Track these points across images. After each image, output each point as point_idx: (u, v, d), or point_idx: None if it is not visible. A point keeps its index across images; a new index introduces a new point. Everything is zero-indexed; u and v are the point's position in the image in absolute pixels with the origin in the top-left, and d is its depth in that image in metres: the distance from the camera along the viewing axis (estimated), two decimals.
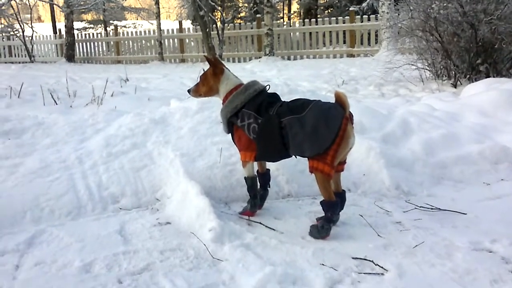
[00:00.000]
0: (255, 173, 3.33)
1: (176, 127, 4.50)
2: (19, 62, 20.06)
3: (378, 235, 2.95)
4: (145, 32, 19.69)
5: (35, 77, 11.75)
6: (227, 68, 3.33)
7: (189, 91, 3.43)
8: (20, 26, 20.26)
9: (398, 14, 10.01)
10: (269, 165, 3.45)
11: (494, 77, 7.45)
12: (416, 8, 8.39)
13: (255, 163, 3.31)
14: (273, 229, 3.09)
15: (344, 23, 15.79)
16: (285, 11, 31.02)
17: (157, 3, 18.52)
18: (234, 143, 3.30)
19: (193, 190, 3.34)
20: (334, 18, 16.28)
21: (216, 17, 17.28)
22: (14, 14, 20.54)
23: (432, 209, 3.33)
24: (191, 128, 4.43)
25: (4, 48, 22.38)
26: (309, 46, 16.49)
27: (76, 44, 20.42)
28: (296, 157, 3.16)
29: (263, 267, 2.55)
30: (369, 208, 3.45)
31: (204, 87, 3.35)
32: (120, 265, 2.67)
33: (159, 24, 18.08)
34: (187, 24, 23.29)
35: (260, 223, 3.18)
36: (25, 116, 4.91)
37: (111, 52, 20.24)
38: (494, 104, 5.19)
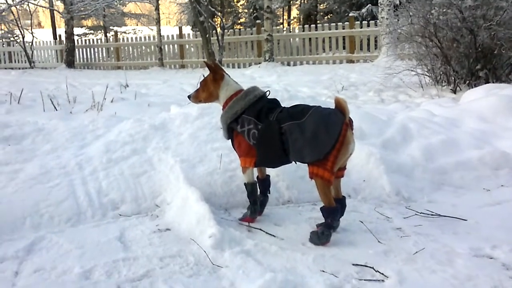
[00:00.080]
0: (255, 179, 3.33)
1: (176, 133, 4.49)
2: (19, 68, 20.09)
3: (379, 242, 2.94)
4: (145, 38, 19.72)
5: (35, 83, 11.77)
6: (227, 74, 3.34)
7: (189, 97, 3.44)
8: (20, 32, 20.31)
9: (398, 20, 10.03)
10: (269, 171, 3.45)
11: (493, 82, 7.45)
12: (416, 14, 8.42)
13: (255, 169, 3.31)
14: (273, 236, 3.08)
15: (343, 29, 15.82)
16: (284, 17, 31.14)
17: (157, 9, 18.57)
18: (234, 149, 3.29)
19: (193, 196, 3.34)
20: (334, 24, 16.32)
21: (216, 23, 17.33)
22: (14, 20, 20.59)
23: (432, 215, 3.32)
24: (191, 134, 4.43)
25: (4, 54, 22.42)
26: (309, 52, 16.51)
27: (76, 50, 20.46)
28: (296, 163, 3.16)
29: (263, 273, 2.54)
30: (369, 214, 3.44)
31: (204, 93, 3.36)
32: (120, 272, 2.66)
33: (159, 30, 18.12)
34: (187, 30, 23.33)
35: (260, 229, 3.18)
36: (25, 122, 4.91)
37: (111, 58, 20.27)
38: (494, 110, 5.20)
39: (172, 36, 18.67)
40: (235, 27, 21.22)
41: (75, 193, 3.65)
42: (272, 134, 2.97)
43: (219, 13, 17.37)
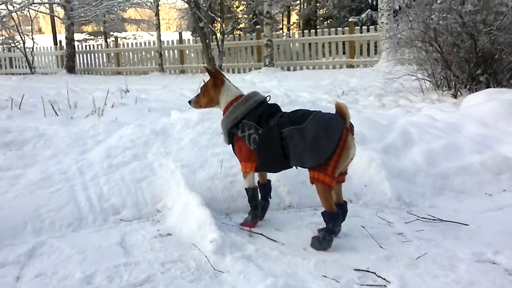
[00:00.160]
0: (256, 184, 3.32)
1: (177, 138, 4.50)
2: (20, 74, 20.12)
3: (380, 247, 2.94)
4: (145, 43, 19.75)
5: (36, 88, 11.77)
6: (227, 79, 3.34)
7: (190, 102, 3.44)
8: (21, 37, 20.35)
9: (398, 25, 10.04)
10: (270, 176, 3.44)
11: (494, 87, 7.45)
12: (416, 18, 8.43)
13: (256, 174, 3.30)
14: (274, 241, 3.08)
15: (343, 34, 15.84)
16: (284, 22, 31.19)
17: (157, 14, 18.62)
18: (235, 154, 3.30)
19: (194, 201, 3.34)
20: (334, 29, 16.34)
21: (216, 28, 17.37)
22: (15, 26, 20.62)
23: (434, 220, 3.32)
24: (192, 139, 4.43)
25: (5, 60, 22.44)
26: (309, 57, 16.53)
27: (77, 55, 20.49)
28: (297, 168, 3.15)
29: (264, 278, 2.53)
30: (371, 219, 3.44)
31: (205, 98, 3.36)
32: (121, 277, 2.66)
33: (159, 36, 18.15)
34: (187, 35, 23.39)
35: (261, 234, 3.17)
36: (26, 128, 4.92)
37: (112, 63, 20.30)
38: (495, 115, 5.20)
39: (172, 41, 18.70)
40: (235, 33, 21.23)
41: (76, 198, 3.65)
42: (272, 139, 2.97)
43: (219, 19, 17.43)
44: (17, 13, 20.42)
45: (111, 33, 27.63)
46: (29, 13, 21.66)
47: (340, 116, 2.83)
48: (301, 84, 11.34)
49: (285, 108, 3.26)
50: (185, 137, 4.49)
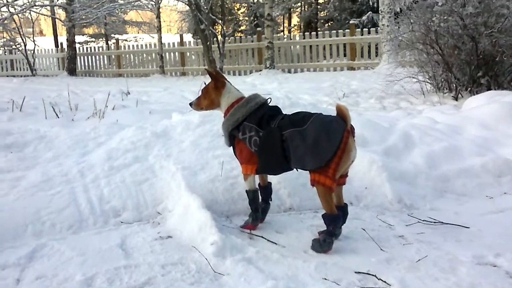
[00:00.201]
0: (257, 186, 3.32)
1: (178, 141, 4.50)
2: (21, 76, 20.18)
3: (381, 249, 2.93)
4: (146, 45, 19.79)
5: (37, 90, 11.79)
6: (228, 82, 3.34)
7: (190, 104, 3.44)
8: (22, 40, 20.40)
9: (398, 27, 10.05)
10: (271, 178, 3.44)
11: (495, 89, 7.45)
12: (417, 21, 8.44)
13: (257, 176, 3.30)
14: (275, 243, 3.07)
15: (344, 36, 15.85)
16: (285, 24, 31.22)
17: (158, 17, 18.63)
18: (236, 156, 3.30)
19: (195, 204, 3.33)
20: (335, 31, 16.35)
21: (217, 31, 17.39)
22: (17, 28, 20.66)
23: (435, 222, 3.31)
24: (193, 142, 4.43)
25: (6, 62, 22.49)
26: (310, 59, 16.54)
27: (78, 57, 20.52)
28: (297, 170, 3.16)
29: (265, 281, 2.53)
30: (371, 221, 3.43)
31: (206, 100, 3.36)
32: (122, 279, 2.65)
33: (160, 38, 18.18)
34: (188, 37, 23.42)
35: (262, 237, 3.17)
36: (27, 130, 4.92)
37: (113, 65, 20.32)
38: (496, 117, 5.19)
39: (173, 43, 18.73)
40: (236, 35, 21.29)
41: (77, 201, 3.65)
42: (273, 141, 2.97)
43: (220, 21, 17.43)
44: (18, 16, 20.45)
45: (112, 35, 27.67)
46: (31, 15, 21.71)
47: (341, 119, 2.83)
48: (302, 86, 11.34)
49: (286, 111, 3.26)
50: (186, 139, 4.49)
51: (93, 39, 29.61)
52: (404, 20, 9.16)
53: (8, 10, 20.02)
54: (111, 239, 3.21)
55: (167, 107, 7.39)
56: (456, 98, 7.94)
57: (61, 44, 21.65)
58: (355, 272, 2.65)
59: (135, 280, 2.63)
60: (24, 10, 19.71)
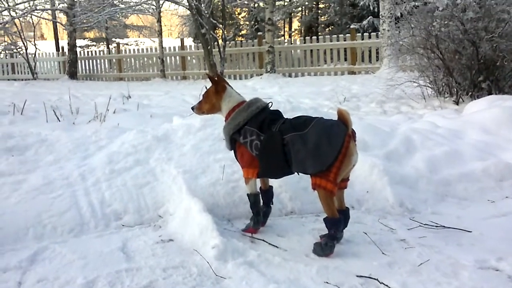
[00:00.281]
0: (258, 190, 3.32)
1: (179, 144, 4.50)
2: (22, 79, 20.18)
3: (383, 253, 2.93)
4: (147, 49, 19.80)
5: (38, 94, 11.80)
6: (229, 86, 3.34)
7: (192, 108, 3.45)
8: (24, 43, 20.42)
9: (399, 32, 10.06)
10: (272, 182, 3.44)
11: (496, 94, 7.45)
12: (417, 25, 8.45)
13: (258, 180, 3.30)
14: (276, 247, 3.07)
15: (345, 40, 15.86)
16: (286, 29, 31.26)
17: (159, 21, 18.68)
18: (237, 160, 3.30)
19: (196, 207, 3.33)
20: (335, 35, 16.36)
21: (218, 35, 17.41)
22: (18, 32, 20.69)
23: (436, 226, 3.31)
24: (194, 145, 4.43)
25: (7, 65, 22.50)
26: (310, 63, 16.55)
27: (79, 61, 20.53)
28: (298, 174, 3.15)
29: (266, 284, 2.53)
30: (373, 225, 3.43)
31: (207, 104, 3.37)
32: (123, 283, 2.65)
33: (161, 42, 18.20)
34: (189, 41, 23.46)
35: (263, 240, 3.17)
36: (28, 133, 4.92)
37: (113, 69, 20.34)
38: (497, 122, 5.19)
39: (174, 47, 18.75)
40: (236, 39, 21.27)
41: (78, 204, 3.64)
42: (274, 145, 2.97)
43: (221, 25, 17.41)
44: (19, 19, 20.49)
45: (113, 39, 27.70)
46: (32, 19, 21.75)
47: (342, 123, 2.84)
48: (303, 90, 11.35)
49: (287, 115, 3.27)
50: (187, 143, 4.49)
51: (94, 43, 29.65)
52: (404, 24, 9.17)
53: (10, 14, 20.09)
54: (112, 242, 3.21)
55: (168, 110, 7.39)
56: (457, 103, 7.94)
57: (62, 48, 21.68)
58: (357, 276, 2.64)
59: (137, 284, 2.63)
60: (25, 14, 19.76)
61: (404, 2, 13.74)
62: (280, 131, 2.98)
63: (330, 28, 24.83)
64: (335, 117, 2.89)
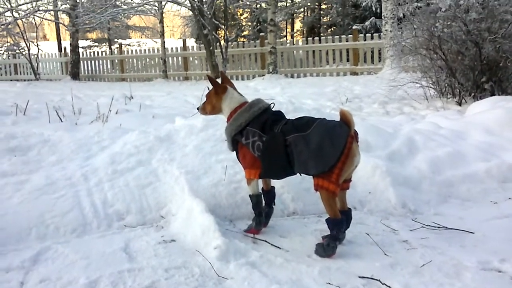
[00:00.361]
0: (260, 191, 3.32)
1: (181, 145, 4.50)
2: (25, 80, 20.22)
3: (385, 254, 2.92)
4: (149, 50, 19.82)
5: (40, 94, 11.83)
6: (231, 87, 3.34)
7: (198, 108, 3.47)
8: (26, 44, 20.45)
9: (402, 33, 10.05)
10: (274, 182, 3.44)
11: (499, 95, 7.45)
12: (420, 26, 8.44)
13: (260, 181, 3.30)
14: (278, 247, 3.07)
15: (347, 41, 15.84)
16: (288, 30, 31.28)
17: (161, 22, 18.69)
18: (239, 161, 3.30)
19: (198, 208, 3.33)
20: (337, 36, 16.35)
21: (220, 36, 17.41)
22: (20, 33, 20.74)
23: (439, 227, 3.30)
24: (196, 146, 4.43)
25: (10, 66, 22.55)
26: (312, 64, 16.54)
27: (81, 62, 20.56)
28: (301, 175, 3.15)
29: (268, 285, 2.53)
30: (375, 226, 3.42)
31: (209, 105, 3.38)
32: (125, 283, 2.65)
33: (163, 43, 18.22)
34: (191, 42, 23.46)
35: (265, 241, 3.16)
36: (31, 133, 4.93)
37: (116, 70, 20.36)
38: (500, 123, 5.18)
39: (176, 48, 18.77)
40: (238, 40, 21.27)
41: (81, 204, 3.65)
42: (277, 146, 2.97)
43: (223, 26, 17.39)
44: (22, 20, 20.53)
45: (116, 40, 27.75)
46: (34, 20, 21.77)
47: (345, 124, 2.83)
48: (305, 91, 11.34)
49: (290, 115, 3.27)
50: (189, 143, 4.49)
51: (97, 44, 29.69)
52: (407, 25, 9.17)
53: (12, 15, 20.14)
54: (115, 242, 3.21)
55: (170, 111, 7.39)
56: (459, 104, 7.93)
57: (65, 48, 21.76)
58: (359, 277, 2.64)
59: (139, 284, 2.63)
60: (28, 15, 19.79)
61: (407, 3, 13.76)
62: (282, 132, 2.97)
63: (332, 29, 24.84)
64: (338, 118, 2.89)
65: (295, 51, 17.06)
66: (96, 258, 2.97)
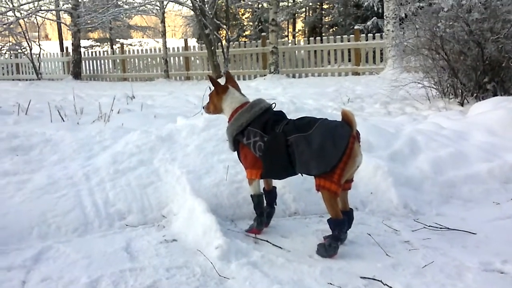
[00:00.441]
0: (262, 191, 3.32)
1: (183, 145, 4.49)
2: (27, 79, 20.25)
3: (387, 255, 2.92)
4: (151, 50, 19.84)
5: (42, 94, 11.84)
6: (234, 87, 3.33)
7: (203, 107, 3.49)
8: (28, 44, 20.50)
9: (404, 33, 10.03)
10: (276, 182, 3.43)
11: (501, 95, 7.43)
12: (422, 26, 8.42)
13: (262, 181, 3.30)
14: (280, 247, 3.07)
15: (349, 41, 15.83)
16: (289, 30, 31.27)
17: (163, 21, 18.71)
18: (240, 161, 3.29)
19: (200, 208, 3.33)
20: (339, 36, 16.34)
21: (221, 36, 17.39)
22: (22, 33, 20.77)
23: (441, 228, 3.30)
24: (198, 146, 4.43)
25: (12, 66, 22.59)
26: (314, 64, 16.53)
27: (83, 61, 20.60)
28: (302, 175, 3.14)
29: (270, 285, 2.53)
30: (377, 227, 3.42)
31: (211, 105, 3.39)
32: (127, 282, 2.65)
33: (164, 42, 18.24)
34: (193, 42, 23.46)
35: (267, 241, 3.16)
36: (33, 133, 4.93)
37: (117, 69, 20.39)
38: (502, 123, 5.16)
39: (178, 48, 18.78)
40: (240, 40, 21.27)
41: (82, 204, 3.65)
42: (278, 146, 2.96)
43: (224, 26, 17.41)
44: (24, 20, 20.58)
45: (117, 39, 27.79)
46: (36, 20, 21.83)
47: (347, 124, 2.83)
48: (307, 91, 11.33)
49: (291, 116, 3.26)
50: (191, 143, 4.49)
51: (98, 44, 29.74)
52: (409, 25, 9.14)
53: (14, 14, 20.16)
54: (116, 242, 3.22)
55: (172, 111, 7.40)
56: (462, 104, 7.91)
57: (66, 48, 21.73)
58: (361, 277, 2.63)
59: (140, 283, 2.63)
60: (30, 14, 19.84)
61: (409, 3, 13.72)
62: (284, 132, 2.97)
63: (334, 29, 24.81)
64: (339, 118, 2.88)
65: (296, 51, 17.06)
66: (98, 258, 2.97)
